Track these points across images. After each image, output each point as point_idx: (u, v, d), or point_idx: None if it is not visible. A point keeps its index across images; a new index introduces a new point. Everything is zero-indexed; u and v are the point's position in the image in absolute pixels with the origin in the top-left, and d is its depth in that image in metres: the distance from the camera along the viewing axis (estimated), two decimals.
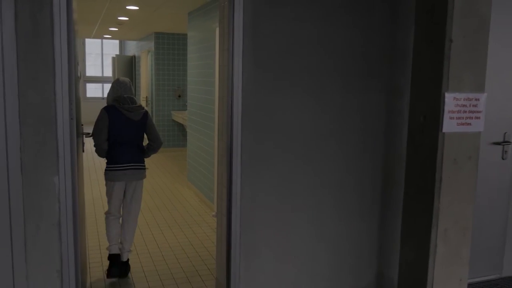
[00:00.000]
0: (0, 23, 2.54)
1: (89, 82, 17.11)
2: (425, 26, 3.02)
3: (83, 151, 3.81)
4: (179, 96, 10.99)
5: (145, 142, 4.35)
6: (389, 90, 3.52)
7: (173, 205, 6.57)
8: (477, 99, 2.96)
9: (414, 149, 3.18)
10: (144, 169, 4.33)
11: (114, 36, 13.12)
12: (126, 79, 4.42)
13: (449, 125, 2.91)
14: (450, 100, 2.89)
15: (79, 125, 3.29)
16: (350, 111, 3.46)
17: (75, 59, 2.88)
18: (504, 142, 4.01)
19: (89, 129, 4.16)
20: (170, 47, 10.81)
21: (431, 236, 3.05)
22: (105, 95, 12.41)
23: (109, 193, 4.21)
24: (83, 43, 16.60)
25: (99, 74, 17.57)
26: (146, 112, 4.37)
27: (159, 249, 4.99)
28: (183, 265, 4.60)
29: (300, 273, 3.50)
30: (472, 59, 2.91)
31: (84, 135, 3.78)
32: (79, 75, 3.67)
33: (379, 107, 3.52)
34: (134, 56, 13.84)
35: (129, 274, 4.32)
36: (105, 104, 4.27)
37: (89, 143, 4.44)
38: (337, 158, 3.48)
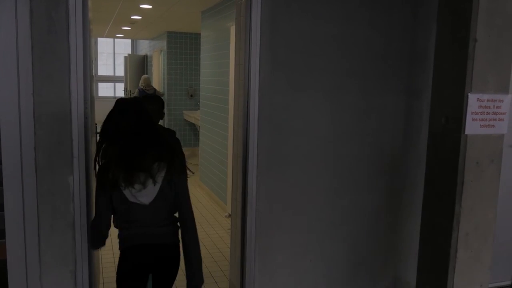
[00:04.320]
0: (15, 20, 2.51)
1: (101, 82, 17.15)
2: (448, 26, 2.94)
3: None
4: (191, 96, 10.96)
5: None
6: (409, 91, 3.45)
7: None
8: (501, 101, 2.88)
9: (435, 151, 3.10)
10: None
11: (126, 35, 13.13)
12: (145, 76, 9.78)
13: (472, 127, 2.83)
14: (474, 101, 2.81)
15: (93, 124, 3.26)
16: (369, 112, 3.39)
17: (90, 57, 2.84)
18: None
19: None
20: (183, 46, 10.78)
21: (451, 240, 2.97)
22: (117, 95, 12.50)
23: None
24: (95, 42, 16.65)
25: (111, 74, 17.60)
26: (154, 90, 9.50)
27: None
28: None
29: (316, 277, 3.44)
30: (497, 59, 2.82)
31: (98, 134, 3.74)
32: (93, 74, 3.71)
33: (398, 108, 3.45)
34: (146, 56, 13.84)
35: None
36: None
37: None
38: (354, 160, 3.41)
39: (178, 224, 2.55)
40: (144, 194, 2.35)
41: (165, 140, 2.46)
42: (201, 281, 2.58)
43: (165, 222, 2.50)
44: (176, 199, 2.48)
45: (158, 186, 2.37)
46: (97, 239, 2.58)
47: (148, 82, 9.93)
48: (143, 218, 2.43)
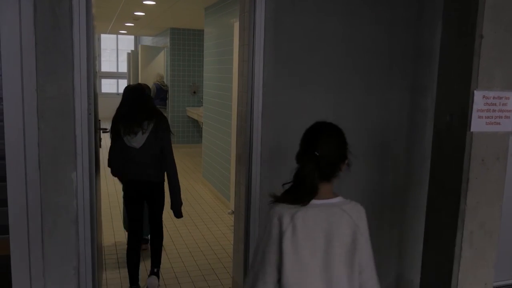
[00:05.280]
0: (19, 16, 2.50)
1: (104, 78, 17.15)
2: (454, 22, 2.92)
3: (100, 146, 3.77)
4: (194, 92, 10.95)
5: None
6: (413, 88, 3.43)
7: (188, 202, 6.52)
8: (507, 98, 2.86)
9: (440, 149, 3.09)
10: None
11: (129, 31, 13.13)
12: (161, 73, 10.75)
13: (477, 125, 2.81)
14: (479, 98, 2.79)
15: (96, 121, 3.25)
16: (373, 109, 3.37)
17: (93, 54, 2.83)
18: None
19: (105, 125, 4.15)
20: (186, 43, 10.77)
21: (456, 238, 2.96)
22: (120, 91, 12.61)
23: None
24: (99, 39, 16.63)
25: (114, 70, 17.60)
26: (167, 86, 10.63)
27: (174, 246, 4.95)
28: (199, 262, 4.55)
29: None
30: (503, 56, 2.80)
31: (101, 131, 3.74)
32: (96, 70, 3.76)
33: (403, 105, 3.43)
34: None
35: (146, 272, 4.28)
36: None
37: (105, 138, 4.44)
38: (359, 156, 3.38)
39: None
40: (136, 140, 3.65)
41: (155, 108, 3.87)
42: (180, 203, 3.93)
43: (150, 165, 3.73)
44: (162, 152, 3.74)
45: (145, 136, 3.65)
46: (114, 167, 3.93)
47: (163, 79, 10.94)
48: (135, 158, 3.69)
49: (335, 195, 1.89)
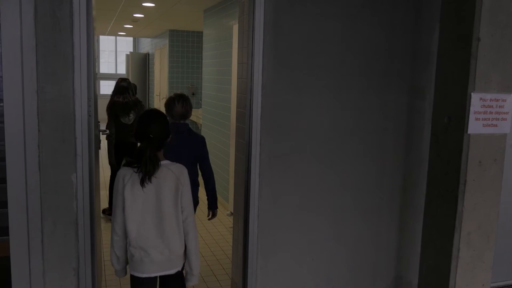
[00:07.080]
0: (19, 18, 2.52)
1: (102, 79, 17.14)
2: (452, 25, 2.94)
3: (99, 148, 3.78)
4: (193, 94, 10.96)
5: None
6: (411, 90, 3.45)
7: None
8: (504, 100, 2.89)
9: (438, 151, 3.11)
10: None
11: (128, 33, 13.12)
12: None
13: (474, 127, 2.84)
14: (476, 100, 2.81)
15: (96, 122, 3.26)
16: (371, 111, 3.39)
17: (93, 56, 2.85)
18: None
19: (104, 126, 4.18)
20: (185, 45, 10.77)
21: (453, 240, 2.98)
22: None
23: None
24: (97, 40, 16.62)
25: (113, 71, 17.60)
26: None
27: None
28: None
29: (318, 275, 3.44)
30: (500, 59, 2.83)
31: (100, 132, 3.75)
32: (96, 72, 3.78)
33: (401, 107, 3.45)
34: (148, 54, 13.84)
35: None
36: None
37: (103, 140, 4.47)
38: (357, 158, 3.41)
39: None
40: (128, 119, 5.50)
41: (138, 99, 5.80)
42: None
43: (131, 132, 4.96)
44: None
45: (133, 117, 5.47)
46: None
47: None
48: (126, 129, 5.42)
49: (163, 158, 2.54)
